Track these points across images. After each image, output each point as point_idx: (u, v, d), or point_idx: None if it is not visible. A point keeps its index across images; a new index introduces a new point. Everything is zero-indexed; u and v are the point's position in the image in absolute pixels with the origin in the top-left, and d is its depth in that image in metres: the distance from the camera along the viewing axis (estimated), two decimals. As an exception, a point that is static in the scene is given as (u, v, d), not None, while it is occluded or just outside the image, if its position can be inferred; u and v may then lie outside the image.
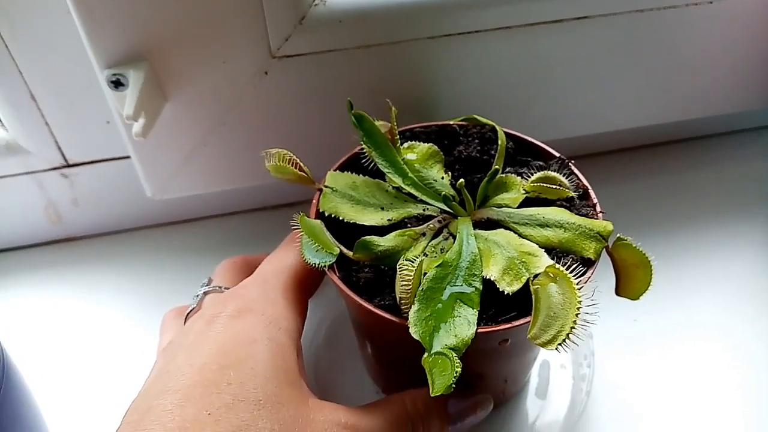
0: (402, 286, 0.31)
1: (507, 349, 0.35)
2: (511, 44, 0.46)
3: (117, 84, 0.40)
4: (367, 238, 0.33)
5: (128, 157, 0.49)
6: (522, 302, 0.31)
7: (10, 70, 0.44)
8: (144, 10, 0.38)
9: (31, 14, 0.42)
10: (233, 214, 0.57)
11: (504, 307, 0.32)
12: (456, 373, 0.28)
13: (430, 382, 0.28)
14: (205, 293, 0.39)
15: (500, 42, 0.45)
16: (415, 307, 0.30)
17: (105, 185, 0.52)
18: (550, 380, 0.44)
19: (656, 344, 0.47)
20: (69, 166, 0.50)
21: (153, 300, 0.52)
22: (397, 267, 0.31)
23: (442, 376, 0.28)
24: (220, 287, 0.39)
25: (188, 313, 0.38)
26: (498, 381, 0.40)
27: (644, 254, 0.32)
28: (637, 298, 0.33)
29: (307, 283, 0.38)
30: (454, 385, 0.28)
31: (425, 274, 0.32)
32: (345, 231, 0.35)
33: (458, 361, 0.29)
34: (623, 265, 0.33)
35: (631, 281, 0.33)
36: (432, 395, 0.28)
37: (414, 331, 0.30)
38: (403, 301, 0.31)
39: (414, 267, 0.31)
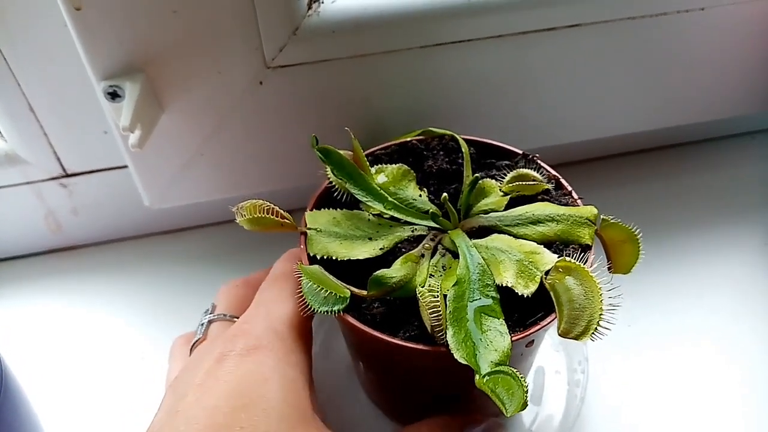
0: (431, 314, 0.30)
1: (527, 352, 0.35)
2: (504, 53, 0.46)
3: (113, 95, 0.40)
4: (379, 273, 0.32)
5: (126, 166, 0.49)
6: (531, 301, 0.31)
7: (9, 81, 0.44)
8: (140, 23, 0.39)
9: (28, 27, 0.42)
10: (231, 222, 0.57)
11: (518, 310, 0.32)
12: (526, 387, 0.28)
13: (498, 403, 0.27)
14: (210, 321, 0.39)
15: (493, 50, 0.45)
16: (450, 332, 0.30)
17: (104, 194, 0.53)
18: (544, 386, 0.44)
19: (650, 349, 0.47)
20: (68, 176, 0.51)
21: (153, 308, 0.52)
22: (418, 296, 0.31)
23: (512, 395, 0.27)
24: (225, 315, 0.39)
25: (194, 343, 0.38)
26: None
27: (630, 229, 0.33)
28: (629, 272, 0.34)
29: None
30: (528, 402, 0.27)
31: (444, 295, 0.31)
32: (332, 269, 0.34)
33: (521, 375, 0.28)
34: (612, 243, 0.34)
35: (621, 257, 0.34)
36: (508, 416, 0.27)
37: (459, 356, 0.29)
38: (436, 329, 0.30)
39: (438, 292, 0.30)
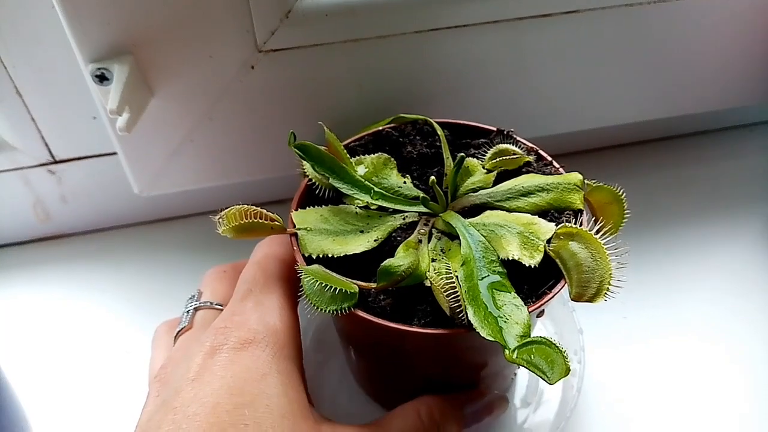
0: (449, 297, 0.29)
1: (534, 324, 0.34)
2: (500, 38, 0.45)
3: (101, 78, 0.39)
4: (386, 264, 0.31)
5: (116, 153, 0.48)
6: (533, 272, 0.31)
7: (-5, 65, 0.44)
8: (128, 4, 0.38)
9: (15, 9, 0.41)
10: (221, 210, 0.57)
11: (521, 282, 0.32)
12: (565, 352, 0.27)
13: (539, 373, 0.27)
14: (196, 309, 0.38)
15: (489, 36, 0.45)
16: (471, 312, 0.29)
17: (93, 182, 0.52)
18: (540, 377, 0.44)
19: (646, 341, 0.47)
20: (56, 162, 0.50)
21: (142, 297, 0.51)
22: (430, 281, 0.30)
23: (552, 363, 0.27)
24: (211, 303, 0.38)
25: (179, 331, 0.37)
26: (495, 374, 0.39)
27: (615, 191, 0.35)
28: (616, 232, 0.35)
29: (296, 296, 0.36)
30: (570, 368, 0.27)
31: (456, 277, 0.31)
32: (328, 267, 0.33)
33: (558, 344, 0.28)
34: (599, 206, 0.35)
35: (609, 218, 0.35)
36: (552, 384, 0.27)
37: (486, 334, 0.28)
38: (456, 311, 0.30)
39: (450, 274, 0.30)
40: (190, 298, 0.39)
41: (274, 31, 0.41)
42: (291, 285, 0.36)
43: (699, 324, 0.48)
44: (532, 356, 0.27)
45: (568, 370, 0.27)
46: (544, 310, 0.32)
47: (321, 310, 0.30)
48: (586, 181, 0.35)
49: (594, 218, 0.35)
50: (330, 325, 0.46)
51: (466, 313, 0.29)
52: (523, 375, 0.44)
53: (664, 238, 0.53)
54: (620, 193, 0.35)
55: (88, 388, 0.46)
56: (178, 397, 0.30)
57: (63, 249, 0.55)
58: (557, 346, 0.27)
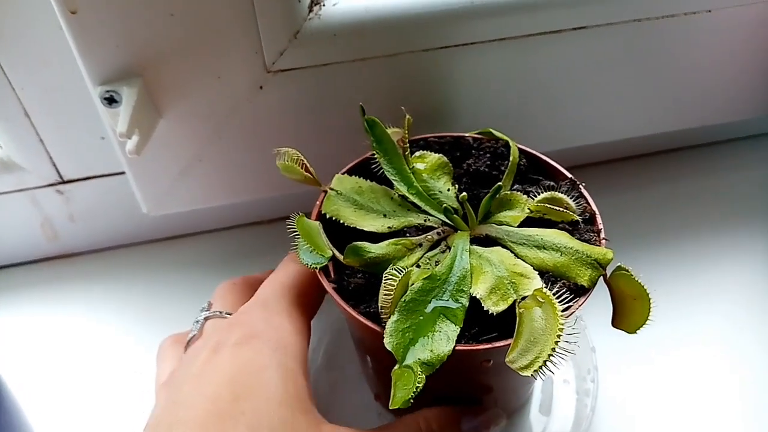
0: (384, 294, 0.30)
1: (493, 368, 0.33)
2: (508, 55, 0.45)
3: (110, 101, 0.39)
4: (359, 243, 0.33)
5: (124, 172, 0.48)
6: (509, 324, 0.30)
7: (4, 86, 0.43)
8: (137, 27, 0.38)
9: (23, 30, 0.41)
10: (230, 228, 0.57)
11: (490, 326, 0.31)
12: (416, 388, 0.28)
13: (392, 393, 0.28)
14: (206, 318, 0.38)
15: (497, 53, 0.45)
16: (393, 318, 0.30)
17: (101, 201, 0.52)
18: (553, 396, 0.44)
19: (659, 357, 0.46)
20: (64, 182, 0.50)
21: (151, 316, 0.51)
22: (383, 275, 0.31)
23: (402, 390, 0.28)
24: (221, 312, 0.38)
25: (189, 340, 0.38)
26: (503, 395, 0.39)
27: (643, 287, 0.30)
28: (634, 332, 0.31)
29: (308, 304, 0.37)
30: (411, 401, 0.28)
31: (412, 284, 0.31)
32: (347, 235, 0.35)
33: (422, 376, 0.28)
34: (620, 296, 0.31)
35: (627, 313, 0.31)
36: (390, 408, 0.27)
37: (388, 342, 0.29)
38: (383, 310, 0.30)
39: (399, 277, 0.30)
40: (201, 309, 0.40)
41: (282, 52, 0.41)
42: (304, 305, 0.37)
43: (711, 338, 0.47)
44: (399, 379, 0.28)
45: (406, 404, 0.27)
46: (490, 359, 0.31)
47: (300, 258, 0.33)
48: (619, 264, 0.31)
49: (613, 308, 0.32)
50: (340, 342, 0.46)
51: (389, 318, 0.30)
52: (536, 395, 0.43)
53: (672, 252, 0.53)
54: (646, 291, 0.30)
55: (97, 409, 0.46)
56: (181, 392, 0.31)
57: (71, 268, 0.55)
58: (416, 382, 0.28)
